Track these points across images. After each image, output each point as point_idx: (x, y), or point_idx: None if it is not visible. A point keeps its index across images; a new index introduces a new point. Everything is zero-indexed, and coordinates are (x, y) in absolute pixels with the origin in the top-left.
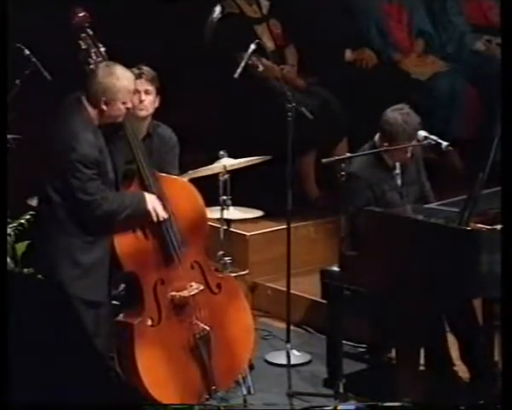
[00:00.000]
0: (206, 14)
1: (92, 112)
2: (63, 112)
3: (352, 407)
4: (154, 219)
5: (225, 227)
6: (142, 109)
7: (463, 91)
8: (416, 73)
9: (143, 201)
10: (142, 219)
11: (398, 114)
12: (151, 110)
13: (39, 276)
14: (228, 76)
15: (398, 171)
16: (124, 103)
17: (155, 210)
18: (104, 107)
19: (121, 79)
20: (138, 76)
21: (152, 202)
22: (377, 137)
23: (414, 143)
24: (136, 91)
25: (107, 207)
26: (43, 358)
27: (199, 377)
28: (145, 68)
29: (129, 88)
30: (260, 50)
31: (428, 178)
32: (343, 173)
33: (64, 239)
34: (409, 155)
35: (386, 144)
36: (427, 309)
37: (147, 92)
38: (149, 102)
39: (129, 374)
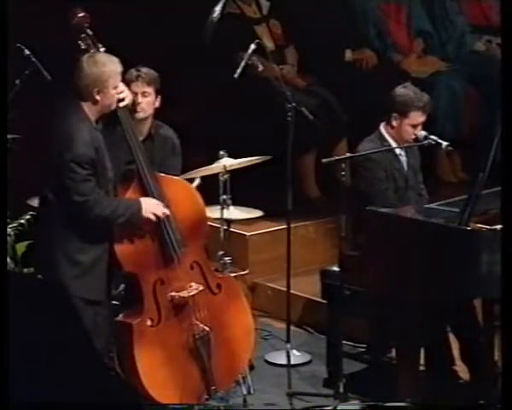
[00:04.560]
0: (206, 14)
1: (87, 108)
2: (60, 112)
3: (357, 407)
4: (154, 219)
5: (225, 227)
6: (139, 111)
7: (463, 91)
8: (417, 72)
9: (139, 210)
10: (139, 224)
11: (408, 89)
12: (149, 112)
13: (39, 276)
14: (228, 76)
15: (404, 158)
16: (115, 88)
17: (153, 215)
18: (97, 97)
19: (108, 64)
20: (136, 78)
21: (149, 208)
22: (382, 125)
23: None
24: (133, 93)
25: (99, 211)
26: (43, 358)
27: (198, 378)
28: (143, 70)
29: (116, 71)
30: (260, 50)
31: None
32: (343, 173)
33: (62, 239)
34: (418, 132)
35: (395, 124)
36: (426, 309)
37: (144, 94)
38: (147, 103)
39: (128, 374)
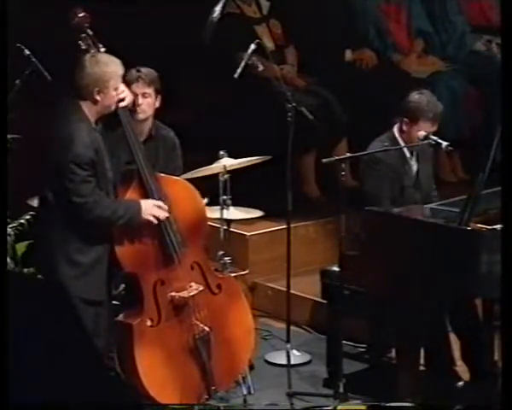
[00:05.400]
0: (206, 14)
1: (87, 108)
2: (60, 112)
3: (357, 407)
4: (154, 221)
5: (225, 227)
6: (139, 113)
7: (463, 91)
8: (417, 72)
9: (138, 212)
10: (139, 225)
11: (422, 97)
12: (150, 112)
13: (39, 276)
14: (228, 76)
15: (413, 161)
16: (116, 89)
17: (153, 217)
18: (97, 97)
19: (110, 65)
20: (136, 79)
21: (148, 210)
22: (395, 127)
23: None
24: (134, 94)
25: (99, 212)
26: (43, 358)
27: (198, 378)
28: (143, 71)
29: (118, 73)
30: (260, 50)
31: None
32: (343, 173)
33: (62, 239)
34: (418, 132)
35: (405, 129)
36: (426, 309)
37: (144, 96)
38: (147, 104)
39: (128, 374)
